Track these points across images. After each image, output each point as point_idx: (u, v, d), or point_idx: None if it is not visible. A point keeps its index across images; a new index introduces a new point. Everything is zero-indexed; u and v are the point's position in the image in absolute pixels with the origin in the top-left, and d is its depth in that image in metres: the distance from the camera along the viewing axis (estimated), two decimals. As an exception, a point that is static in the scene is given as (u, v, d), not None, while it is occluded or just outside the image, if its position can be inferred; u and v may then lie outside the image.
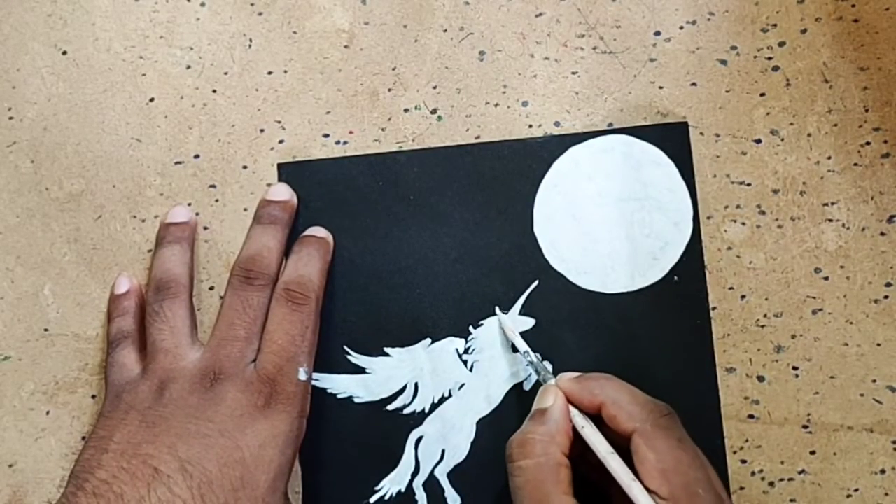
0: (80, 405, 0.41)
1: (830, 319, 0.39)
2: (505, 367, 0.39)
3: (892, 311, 0.39)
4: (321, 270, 0.39)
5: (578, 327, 0.39)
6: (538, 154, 0.40)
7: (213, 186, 0.41)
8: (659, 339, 0.39)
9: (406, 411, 0.39)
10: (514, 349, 0.39)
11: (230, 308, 0.38)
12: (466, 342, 0.40)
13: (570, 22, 0.41)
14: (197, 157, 0.42)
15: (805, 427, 0.39)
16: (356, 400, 0.39)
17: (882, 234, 0.39)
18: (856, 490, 0.38)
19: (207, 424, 0.35)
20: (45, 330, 0.41)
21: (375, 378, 0.40)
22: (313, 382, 0.39)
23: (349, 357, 0.40)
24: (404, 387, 0.40)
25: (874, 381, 0.39)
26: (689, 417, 0.34)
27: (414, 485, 0.39)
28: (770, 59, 0.40)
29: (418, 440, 0.39)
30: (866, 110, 0.40)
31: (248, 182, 0.41)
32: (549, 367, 0.38)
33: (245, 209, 0.41)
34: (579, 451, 0.34)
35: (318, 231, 0.40)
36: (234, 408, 0.35)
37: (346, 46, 0.42)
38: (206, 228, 0.41)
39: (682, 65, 0.41)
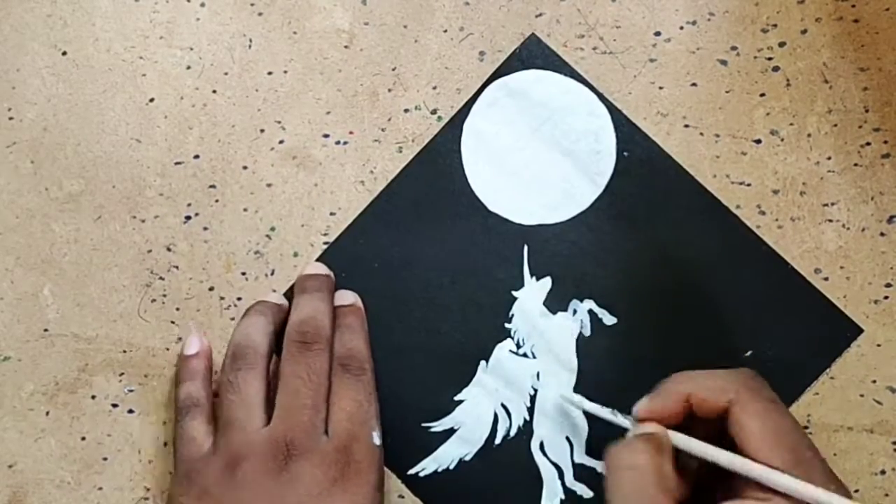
0: (80, 406, 0.41)
1: (830, 320, 0.39)
2: (558, 331, 0.39)
3: (892, 312, 0.39)
4: (365, 340, 0.38)
5: (587, 253, 0.40)
6: (443, 150, 0.41)
7: (212, 187, 0.41)
8: (653, 207, 0.40)
9: (513, 433, 0.39)
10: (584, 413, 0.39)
11: (293, 376, 0.36)
12: (512, 338, 0.40)
13: (570, 22, 0.41)
14: (197, 157, 0.42)
15: (805, 427, 0.39)
16: (467, 458, 0.39)
17: (882, 234, 0.39)
18: (856, 490, 0.38)
19: None
20: (45, 330, 0.41)
21: (467, 428, 0.39)
22: (422, 473, 0.39)
23: (433, 429, 0.39)
24: (495, 415, 0.39)
25: (874, 381, 0.39)
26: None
27: (567, 484, 0.39)
28: (770, 59, 0.40)
29: (541, 446, 0.39)
30: (866, 111, 0.40)
31: (248, 182, 0.41)
32: (617, 414, 0.36)
33: (245, 209, 0.41)
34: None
35: (346, 298, 0.39)
36: (311, 487, 0.34)
37: (346, 47, 0.42)
38: (205, 229, 0.41)
39: (682, 65, 0.41)
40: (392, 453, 0.38)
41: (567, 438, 0.39)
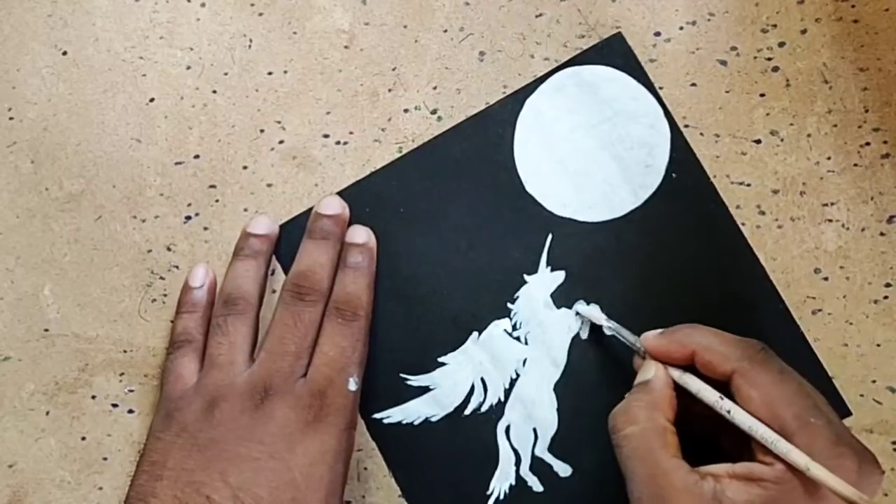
0: (80, 406, 0.41)
1: (830, 320, 0.39)
2: (556, 326, 0.39)
3: (891, 312, 0.39)
4: (368, 285, 0.39)
5: (608, 261, 0.40)
6: (499, 119, 0.41)
7: (213, 187, 0.41)
8: (684, 234, 0.39)
9: (484, 409, 0.39)
10: (590, 327, 0.39)
11: (281, 323, 0.37)
12: (511, 319, 0.40)
13: (570, 22, 0.41)
14: (197, 157, 0.42)
15: (805, 427, 0.39)
16: (433, 419, 0.39)
17: (882, 234, 0.39)
18: (856, 490, 0.38)
19: (258, 447, 0.34)
20: (45, 330, 0.41)
21: (441, 390, 0.39)
22: (386, 420, 0.39)
23: (409, 382, 0.40)
24: (472, 387, 0.39)
25: (874, 381, 0.39)
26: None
27: (521, 473, 0.39)
28: (770, 59, 0.40)
29: (507, 430, 0.39)
30: (866, 111, 0.40)
31: (248, 182, 0.41)
32: (632, 336, 0.37)
33: (245, 209, 0.41)
34: (680, 419, 0.34)
35: (359, 236, 0.40)
36: (283, 426, 0.35)
37: (346, 47, 0.42)
38: (205, 229, 0.41)
39: (682, 65, 0.41)
40: (363, 393, 0.38)
41: (534, 430, 0.39)
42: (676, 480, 0.31)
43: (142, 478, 0.35)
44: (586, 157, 0.40)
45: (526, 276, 0.40)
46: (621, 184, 0.40)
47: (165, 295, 0.41)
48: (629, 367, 0.37)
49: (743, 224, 0.40)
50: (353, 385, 0.36)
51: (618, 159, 0.40)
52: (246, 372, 0.36)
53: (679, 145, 0.40)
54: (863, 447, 0.32)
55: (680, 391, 0.34)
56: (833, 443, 0.31)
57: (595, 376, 0.39)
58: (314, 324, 0.37)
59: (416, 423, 0.39)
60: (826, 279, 0.39)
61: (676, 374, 0.34)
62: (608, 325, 0.38)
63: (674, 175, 0.40)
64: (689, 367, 0.35)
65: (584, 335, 0.39)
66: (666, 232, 0.39)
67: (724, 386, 0.33)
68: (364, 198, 0.41)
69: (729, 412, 0.32)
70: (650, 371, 0.35)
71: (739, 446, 0.33)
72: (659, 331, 0.36)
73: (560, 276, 0.39)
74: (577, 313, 0.39)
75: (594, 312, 0.39)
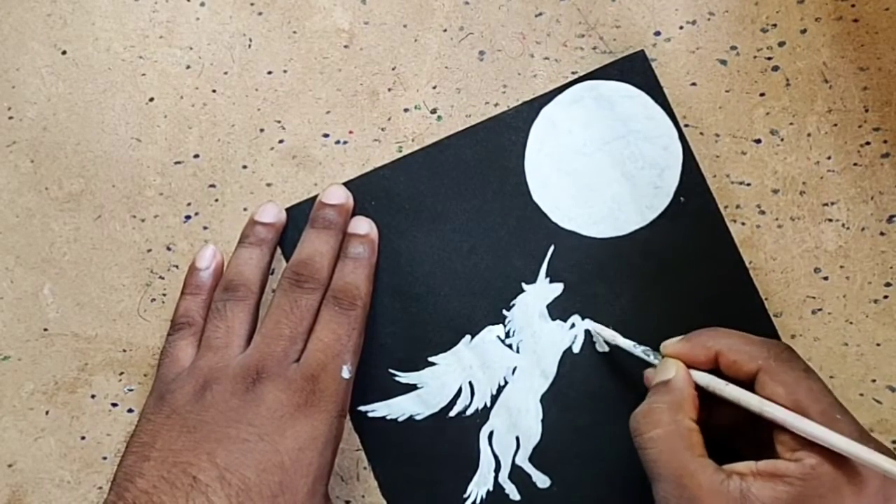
0: (80, 405, 0.41)
1: (830, 319, 0.39)
2: (549, 337, 0.39)
3: (891, 311, 0.39)
4: (367, 276, 0.39)
5: (607, 277, 0.39)
6: (513, 125, 0.40)
7: (212, 186, 0.41)
8: (686, 260, 0.39)
9: (469, 412, 0.39)
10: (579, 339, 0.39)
11: (277, 308, 0.37)
12: (505, 326, 0.40)
13: (570, 22, 0.41)
14: (197, 156, 0.42)
15: (805, 427, 0.39)
16: (417, 418, 0.39)
17: (882, 234, 0.39)
18: (856, 490, 0.38)
19: (247, 429, 0.34)
20: (45, 330, 0.41)
21: (429, 390, 0.39)
22: (371, 414, 0.39)
23: (397, 378, 0.40)
24: (459, 389, 0.39)
25: (874, 381, 0.39)
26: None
27: (500, 480, 0.39)
28: (770, 59, 0.40)
29: (490, 436, 0.39)
30: (866, 110, 0.40)
31: (248, 182, 0.41)
32: (644, 349, 0.37)
33: (245, 209, 0.41)
34: (702, 419, 0.34)
35: (361, 227, 0.40)
36: (274, 409, 0.35)
37: (346, 46, 0.42)
38: (205, 228, 0.41)
39: (682, 65, 0.41)
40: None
41: (517, 438, 0.39)
42: (703, 481, 0.31)
43: (130, 458, 0.35)
44: (596, 172, 0.40)
45: (524, 285, 0.40)
46: (629, 202, 0.40)
47: (165, 294, 0.41)
48: (619, 385, 0.38)
49: (743, 224, 0.40)
50: (346, 373, 0.36)
51: (628, 178, 0.40)
52: (240, 356, 0.36)
53: (690, 169, 0.40)
54: (885, 447, 0.31)
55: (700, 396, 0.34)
56: (857, 440, 0.31)
57: (583, 391, 0.39)
58: (311, 310, 0.37)
59: (400, 419, 0.39)
60: (826, 279, 0.39)
61: (698, 375, 0.34)
62: (625, 344, 0.37)
63: (682, 199, 0.39)
64: (711, 370, 0.34)
65: (577, 349, 0.39)
66: (668, 255, 0.39)
67: (747, 387, 0.33)
68: (370, 191, 0.41)
69: (761, 407, 0.32)
70: (670, 370, 0.34)
71: (758, 449, 0.33)
72: (678, 338, 0.35)
73: (558, 288, 0.39)
74: (587, 330, 0.39)
75: (606, 331, 0.38)
